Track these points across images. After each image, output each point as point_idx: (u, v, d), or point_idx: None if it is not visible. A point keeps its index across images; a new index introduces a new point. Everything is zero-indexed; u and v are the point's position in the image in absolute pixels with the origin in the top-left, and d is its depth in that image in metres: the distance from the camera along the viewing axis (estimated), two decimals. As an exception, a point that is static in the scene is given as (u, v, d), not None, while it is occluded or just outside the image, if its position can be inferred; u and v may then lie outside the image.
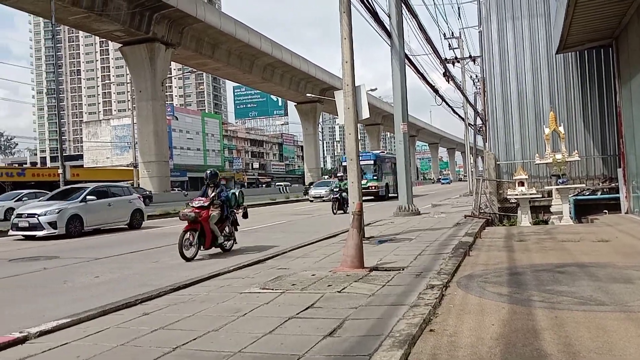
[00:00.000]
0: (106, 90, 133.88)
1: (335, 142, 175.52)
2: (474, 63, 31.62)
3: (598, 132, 15.27)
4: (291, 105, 78.47)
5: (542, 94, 15.84)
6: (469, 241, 9.10)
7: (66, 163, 27.94)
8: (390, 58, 16.48)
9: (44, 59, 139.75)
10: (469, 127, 40.09)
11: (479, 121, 37.38)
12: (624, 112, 13.35)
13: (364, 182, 28.23)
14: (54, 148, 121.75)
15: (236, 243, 10.14)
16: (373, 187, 30.07)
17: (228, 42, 46.92)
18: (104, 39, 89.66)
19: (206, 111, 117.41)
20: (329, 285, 5.84)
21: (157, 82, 40.02)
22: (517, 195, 14.24)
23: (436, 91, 28.28)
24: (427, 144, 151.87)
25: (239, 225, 10.30)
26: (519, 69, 16.09)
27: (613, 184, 14.63)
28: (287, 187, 61.36)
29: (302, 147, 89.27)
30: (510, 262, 7.20)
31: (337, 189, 20.91)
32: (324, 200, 31.33)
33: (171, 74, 76.25)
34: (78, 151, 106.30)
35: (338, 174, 23.12)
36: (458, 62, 30.82)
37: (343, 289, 5.63)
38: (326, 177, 53.33)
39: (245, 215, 10.57)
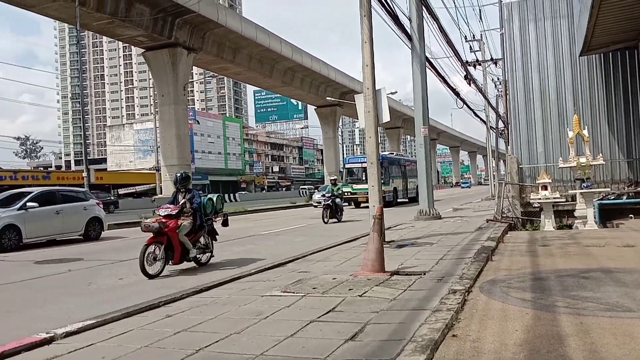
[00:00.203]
0: (129, 95, 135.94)
1: (355, 146, 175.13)
2: (496, 65, 31.41)
3: (623, 135, 15.01)
4: (311, 109, 78.56)
5: (566, 96, 15.62)
6: (492, 246, 9.01)
7: (90, 166, 28.44)
8: (410, 61, 16.45)
9: (69, 64, 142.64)
10: (491, 130, 39.69)
11: (500, 124, 37.01)
12: (651, 114, 13.10)
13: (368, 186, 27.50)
14: (79, 152, 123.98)
15: (213, 256, 9.01)
16: None
17: (249, 46, 47.21)
18: (127, 44, 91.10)
19: (227, 115, 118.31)
20: (349, 289, 5.84)
21: (179, 86, 40.46)
22: (540, 199, 14.05)
23: (457, 94, 28.09)
24: (448, 148, 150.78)
25: (217, 235, 9.20)
26: (541, 71, 15.89)
27: (639, 188, 14.35)
28: (309, 191, 61.38)
29: (321, 150, 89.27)
30: (534, 267, 7.11)
31: (330, 194, 18.36)
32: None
33: (193, 79, 76.98)
34: (102, 155, 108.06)
35: (331, 178, 20.74)
36: (479, 64, 30.60)
37: (364, 293, 5.63)
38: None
39: (225, 223, 9.37)
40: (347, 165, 30.60)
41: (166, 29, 38.52)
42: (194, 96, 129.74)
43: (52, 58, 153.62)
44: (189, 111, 56.90)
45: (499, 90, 34.85)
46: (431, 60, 20.18)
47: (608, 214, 14.34)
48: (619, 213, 14.14)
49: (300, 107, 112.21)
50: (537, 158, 15.84)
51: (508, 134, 21.56)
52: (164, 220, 7.86)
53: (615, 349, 3.55)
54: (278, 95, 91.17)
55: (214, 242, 9.06)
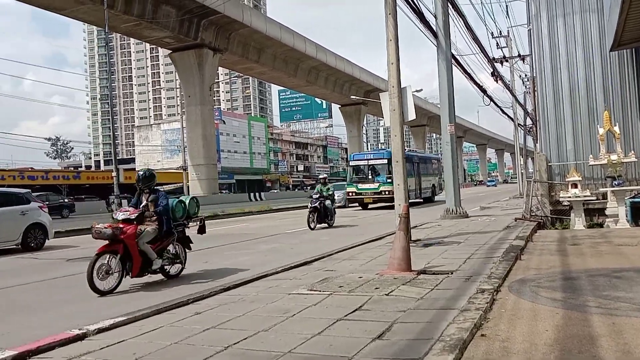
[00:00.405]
0: (156, 96, 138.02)
1: (379, 144, 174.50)
2: (523, 62, 30.86)
3: (656, 132, 14.62)
4: (335, 107, 78.68)
5: (596, 92, 15.29)
6: (520, 244, 8.89)
7: (119, 166, 28.95)
8: (436, 58, 16.31)
9: (98, 66, 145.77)
10: (519, 128, 39.11)
11: (528, 121, 36.44)
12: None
13: (374, 185, 24.89)
14: (108, 152, 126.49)
15: (184, 268, 7.83)
16: (386, 192, 23.36)
17: (273, 46, 47.46)
18: (154, 46, 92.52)
19: (252, 115, 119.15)
20: (376, 288, 5.83)
21: (205, 87, 40.95)
22: (570, 197, 13.79)
23: (484, 91, 27.77)
24: (474, 145, 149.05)
25: (192, 243, 8.03)
26: (570, 67, 15.58)
27: (673, 186, 13.96)
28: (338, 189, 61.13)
29: (346, 149, 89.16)
30: (564, 267, 6.99)
31: (318, 195, 15.85)
32: (337, 207, 28.08)
33: (218, 79, 77.77)
34: (130, 155, 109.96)
35: (320, 176, 17.86)
36: (506, 61, 30.13)
37: (391, 291, 5.61)
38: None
39: (201, 230, 8.19)
40: (351, 163, 27.49)
41: (192, 30, 39.01)
42: (219, 96, 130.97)
43: (82, 60, 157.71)
44: (215, 111, 57.54)
45: (527, 87, 34.30)
46: (457, 57, 20.00)
47: (641, 213, 13.99)
48: (652, 211, 13.78)
49: (324, 106, 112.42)
50: (566, 155, 15.55)
51: (537, 131, 21.22)
52: (121, 225, 6.84)
53: (650, 350, 3.47)
54: (302, 94, 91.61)
55: (187, 250, 7.94)
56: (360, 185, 25.45)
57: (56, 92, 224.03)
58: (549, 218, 15.17)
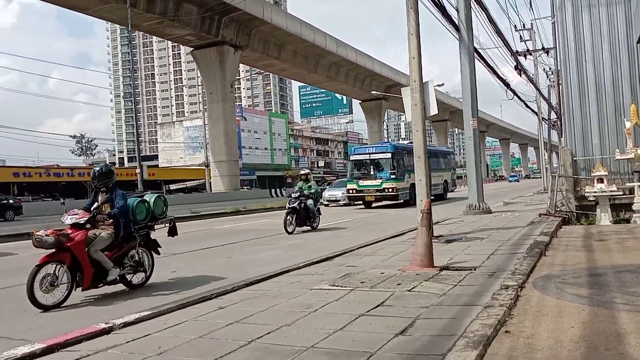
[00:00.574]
0: (179, 93, 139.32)
1: (400, 139, 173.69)
2: (547, 55, 30.31)
3: (686, 125, 14.24)
4: (356, 103, 78.43)
5: (623, 85, 14.96)
6: (545, 240, 8.77)
7: (143, 163, 29.36)
8: (458, 52, 16.13)
9: (121, 64, 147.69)
10: (543, 122, 38.50)
11: (553, 115, 35.82)
12: None
13: (377, 182, 22.93)
14: (131, 149, 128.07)
15: (149, 277, 6.93)
16: (390, 190, 22.44)
17: (294, 42, 47.51)
18: (176, 44, 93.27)
19: (273, 111, 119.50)
20: (398, 284, 5.82)
21: (226, 84, 41.23)
22: (595, 192, 13.55)
23: (507, 85, 27.37)
24: (497, 140, 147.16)
25: (160, 247, 7.16)
26: (596, 59, 15.27)
27: None
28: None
29: (367, 144, 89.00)
30: (590, 263, 6.88)
31: (298, 194, 13.97)
32: (339, 205, 26.63)
33: (239, 76, 78.16)
34: (153, 152, 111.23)
35: (301, 172, 15.32)
36: (530, 54, 29.62)
37: (413, 287, 5.59)
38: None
39: (172, 232, 7.32)
40: (352, 158, 25.14)
41: (213, 28, 39.29)
42: (240, 93, 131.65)
43: (105, 58, 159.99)
44: (236, 108, 57.83)
45: (551, 80, 33.68)
46: (480, 50, 19.76)
47: (669, 208, 13.67)
48: (681, 207, 13.46)
49: (345, 102, 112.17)
50: (592, 150, 15.26)
51: (561, 125, 20.87)
52: (69, 231, 5.96)
53: (680, 348, 3.40)
54: (323, 90, 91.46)
55: (154, 256, 7.07)
56: (362, 182, 23.53)
57: (81, 90, 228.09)
58: (574, 213, 14.92)
